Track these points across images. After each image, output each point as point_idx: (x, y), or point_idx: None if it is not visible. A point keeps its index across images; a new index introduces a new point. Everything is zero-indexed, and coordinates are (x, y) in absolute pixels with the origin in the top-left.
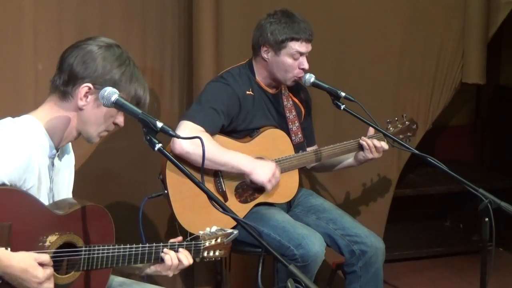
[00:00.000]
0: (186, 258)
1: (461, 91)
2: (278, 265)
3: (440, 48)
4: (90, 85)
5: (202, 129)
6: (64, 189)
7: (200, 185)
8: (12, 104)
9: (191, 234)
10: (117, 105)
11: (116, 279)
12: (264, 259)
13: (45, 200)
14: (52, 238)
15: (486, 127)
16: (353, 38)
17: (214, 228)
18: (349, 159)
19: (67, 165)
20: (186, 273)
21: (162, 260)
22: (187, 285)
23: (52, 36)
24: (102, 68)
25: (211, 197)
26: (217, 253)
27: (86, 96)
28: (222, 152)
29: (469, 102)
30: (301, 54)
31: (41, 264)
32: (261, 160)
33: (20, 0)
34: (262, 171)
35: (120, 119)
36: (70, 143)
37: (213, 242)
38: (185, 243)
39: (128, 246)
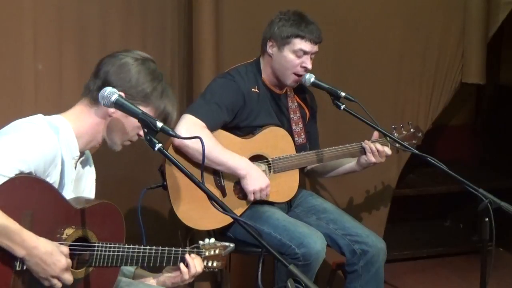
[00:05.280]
0: (200, 264)
1: (461, 91)
2: (278, 265)
3: (440, 48)
4: (122, 94)
5: (203, 124)
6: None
7: (200, 185)
8: (12, 104)
9: (190, 243)
10: (117, 105)
11: (123, 279)
12: (264, 259)
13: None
14: (69, 231)
15: (486, 127)
16: (353, 38)
17: (212, 240)
18: (351, 163)
19: (87, 175)
20: None
21: (169, 263)
22: (187, 285)
23: (52, 36)
24: (136, 80)
25: (211, 197)
26: (215, 264)
27: None
28: (220, 152)
29: (469, 102)
30: (305, 53)
31: None
32: (258, 171)
33: (20, 0)
34: (253, 180)
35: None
36: (91, 158)
37: (212, 252)
38: (187, 249)
39: (142, 247)
